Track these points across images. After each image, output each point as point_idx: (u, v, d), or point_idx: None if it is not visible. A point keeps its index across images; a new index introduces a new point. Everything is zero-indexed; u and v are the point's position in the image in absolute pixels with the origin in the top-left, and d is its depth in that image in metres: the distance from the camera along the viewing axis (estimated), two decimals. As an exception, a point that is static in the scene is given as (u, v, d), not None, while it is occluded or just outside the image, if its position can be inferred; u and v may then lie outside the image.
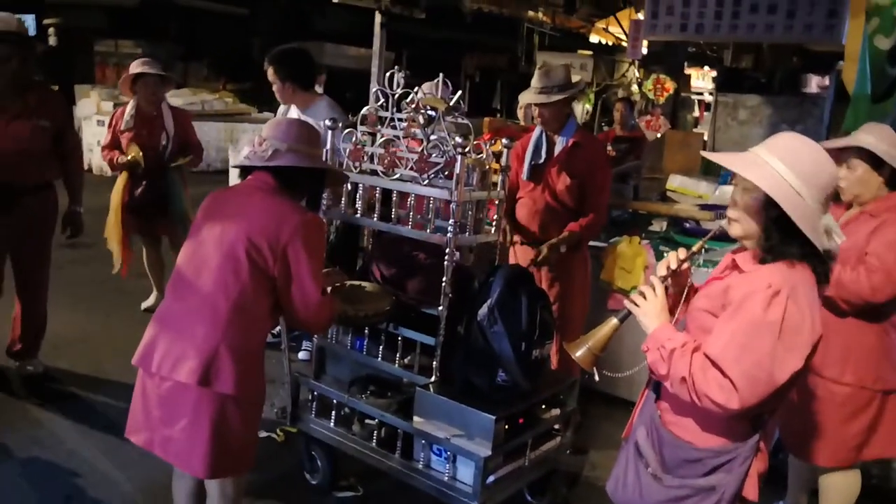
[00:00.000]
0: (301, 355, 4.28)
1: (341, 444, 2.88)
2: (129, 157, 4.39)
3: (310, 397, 3.02)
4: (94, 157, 10.72)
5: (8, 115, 3.39)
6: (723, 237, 1.99)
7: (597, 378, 2.05)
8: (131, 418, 2.20)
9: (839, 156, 2.59)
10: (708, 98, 10.27)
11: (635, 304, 1.88)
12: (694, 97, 11.87)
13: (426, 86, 2.87)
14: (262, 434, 3.28)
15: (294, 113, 4.05)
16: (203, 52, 13.14)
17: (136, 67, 4.48)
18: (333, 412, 2.93)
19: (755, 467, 1.83)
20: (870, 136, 2.57)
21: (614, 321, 1.93)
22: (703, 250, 1.97)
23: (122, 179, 4.56)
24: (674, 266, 1.93)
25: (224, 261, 2.10)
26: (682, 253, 1.95)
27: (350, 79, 11.05)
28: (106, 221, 4.64)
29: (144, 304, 4.96)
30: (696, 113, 11.99)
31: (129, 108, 4.54)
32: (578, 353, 1.93)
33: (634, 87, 10.23)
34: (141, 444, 2.18)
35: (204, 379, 2.04)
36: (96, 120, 10.55)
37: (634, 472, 1.93)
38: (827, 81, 8.01)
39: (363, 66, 5.90)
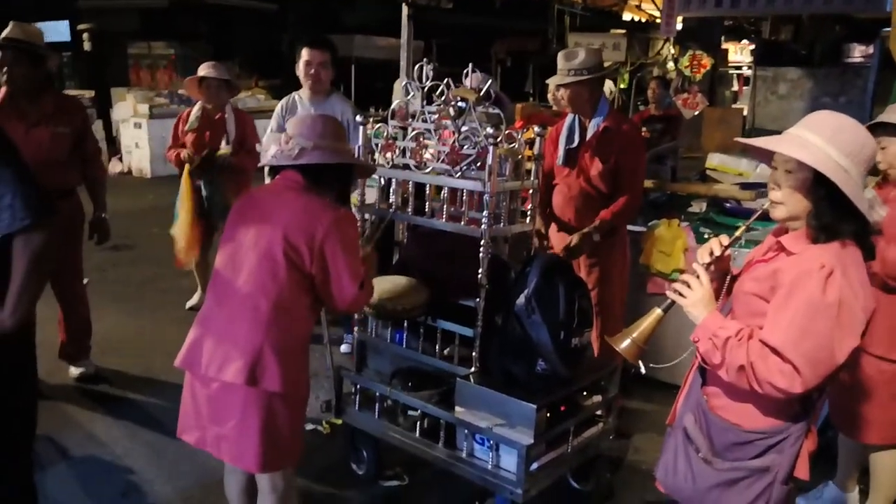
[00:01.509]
0: (343, 348, 4.35)
1: (385, 436, 2.93)
2: (191, 156, 4.50)
3: (353, 390, 3.07)
4: (133, 159, 10.96)
5: (27, 122, 3.41)
6: (765, 217, 1.95)
7: (643, 371, 2.04)
8: (182, 418, 2.27)
9: (874, 135, 2.57)
10: (746, 72, 10.01)
11: (680, 294, 1.86)
12: (732, 72, 11.57)
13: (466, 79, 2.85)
14: (309, 427, 3.36)
15: (303, 107, 4.09)
16: (234, 49, 13.33)
17: (201, 71, 4.59)
18: (376, 404, 2.97)
19: (806, 447, 1.82)
20: (893, 112, 2.55)
21: (658, 312, 1.90)
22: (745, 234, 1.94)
23: (186, 182, 4.64)
24: (717, 252, 1.90)
25: (261, 262, 2.14)
26: (724, 239, 1.93)
27: (379, 70, 11.06)
28: (173, 224, 4.74)
29: (189, 303, 5.08)
30: (735, 87, 11.70)
31: (196, 110, 4.66)
32: (623, 346, 1.91)
33: (670, 65, 10.02)
34: (193, 442, 2.25)
35: (251, 378, 2.09)
36: (133, 122, 10.76)
37: (685, 458, 1.92)
38: (871, 50, 7.72)
39: (392, 56, 5.89)
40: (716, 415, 1.87)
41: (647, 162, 4.21)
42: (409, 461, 3.03)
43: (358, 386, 3.04)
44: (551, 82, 3.39)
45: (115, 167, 10.83)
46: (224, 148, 4.57)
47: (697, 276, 1.86)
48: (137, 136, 10.78)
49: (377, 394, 2.97)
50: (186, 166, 4.56)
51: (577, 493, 3.04)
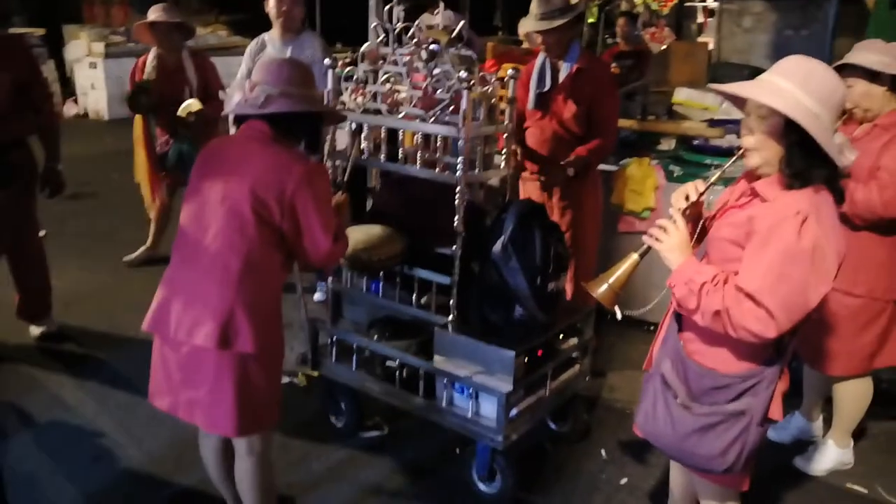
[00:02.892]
0: (316, 296, 4.30)
1: (363, 387, 2.92)
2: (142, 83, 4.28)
3: (329, 342, 3.04)
4: (88, 101, 10.47)
5: None
6: (733, 154, 1.94)
7: (619, 317, 2.04)
8: (152, 383, 2.20)
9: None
10: (711, 4, 9.90)
11: (657, 240, 1.85)
12: (697, 4, 11.45)
13: (431, 16, 2.75)
14: (284, 380, 3.32)
15: (273, 47, 3.92)
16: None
17: (150, 15, 4.29)
18: (354, 356, 2.95)
19: (779, 388, 1.86)
20: (857, 53, 2.58)
21: (634, 257, 1.89)
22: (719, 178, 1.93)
23: (139, 121, 4.42)
24: (693, 197, 1.90)
25: (229, 218, 2.05)
26: (700, 183, 1.92)
27: (345, 3, 10.58)
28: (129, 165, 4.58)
29: (128, 258, 4.86)
30: (701, 19, 11.59)
31: (151, 59, 4.38)
32: (599, 292, 1.89)
33: (637, -1, 9.86)
34: (165, 408, 2.18)
35: (223, 341, 2.02)
36: (88, 62, 10.22)
37: (664, 404, 1.94)
38: (831, -17, 7.69)
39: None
40: (693, 360, 1.88)
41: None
42: (388, 411, 3.04)
43: (334, 338, 3.01)
44: (525, 27, 3.29)
45: (70, 110, 10.38)
46: (193, 103, 4.29)
47: (674, 221, 1.85)
48: (93, 76, 10.26)
49: (354, 345, 2.94)
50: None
51: (555, 433, 3.10)
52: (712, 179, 1.90)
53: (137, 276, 4.67)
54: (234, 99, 2.19)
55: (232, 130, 3.37)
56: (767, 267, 1.67)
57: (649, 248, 1.88)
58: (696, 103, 4.87)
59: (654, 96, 5.14)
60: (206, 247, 2.07)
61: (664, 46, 7.55)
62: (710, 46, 8.40)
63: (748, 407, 1.82)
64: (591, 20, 9.15)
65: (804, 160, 1.69)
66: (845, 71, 2.56)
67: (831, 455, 2.92)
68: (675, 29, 9.23)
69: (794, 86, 1.68)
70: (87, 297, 4.39)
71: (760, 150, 1.75)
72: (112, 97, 9.94)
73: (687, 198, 1.90)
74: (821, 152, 1.67)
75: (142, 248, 4.91)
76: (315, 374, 3.12)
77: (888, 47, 2.59)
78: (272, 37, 3.94)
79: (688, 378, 1.89)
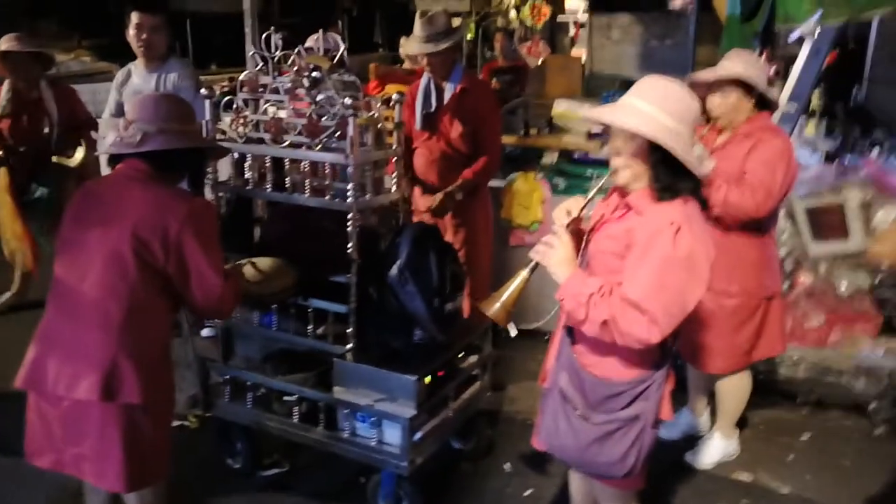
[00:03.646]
0: (205, 332, 4.09)
1: (260, 424, 2.81)
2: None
3: (221, 381, 2.90)
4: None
5: None
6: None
7: (513, 334, 2.08)
8: (30, 442, 2.04)
9: (712, 85, 2.77)
10: (581, 18, 10.37)
11: (543, 255, 1.92)
12: (569, 18, 11.95)
13: (310, 40, 2.70)
14: (175, 423, 3.13)
15: (138, 77, 3.74)
16: (51, 4, 11.74)
17: (3, 44, 3.91)
18: (249, 393, 2.83)
19: (667, 389, 1.97)
20: (737, 65, 2.71)
21: (524, 274, 1.95)
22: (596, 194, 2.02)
23: (3, 174, 4.02)
24: (575, 213, 1.98)
25: (108, 264, 1.93)
26: (580, 199, 2.00)
27: (219, 24, 10.24)
28: None
29: None
30: (573, 33, 12.11)
31: (4, 91, 3.98)
32: (492, 311, 1.94)
33: (512, 14, 10.16)
34: (48, 466, 2.03)
35: (106, 393, 1.90)
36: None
37: (564, 417, 2.00)
38: (692, -4, 8.27)
39: (232, 8, 5.47)
40: (587, 371, 1.95)
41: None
42: (288, 445, 2.93)
43: (227, 376, 2.88)
44: (411, 49, 3.31)
45: None
46: (66, 158, 3.96)
47: (558, 236, 1.92)
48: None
49: (248, 382, 2.82)
50: None
51: (459, 451, 3.10)
52: (590, 195, 1.99)
53: (4, 326, 4.28)
54: (108, 138, 2.06)
55: (105, 171, 3.17)
56: (648, 276, 1.76)
57: (537, 264, 1.94)
58: (574, 115, 5.07)
59: (534, 109, 5.30)
60: (85, 295, 1.94)
61: (540, 61, 7.80)
62: (584, 59, 8.81)
63: (642, 411, 1.91)
64: (469, 36, 9.37)
65: (670, 175, 1.80)
66: (722, 82, 2.72)
67: (718, 447, 3.10)
68: (550, 43, 9.56)
69: (654, 107, 1.79)
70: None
71: (629, 168, 1.86)
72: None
73: (568, 213, 1.98)
74: (684, 166, 1.79)
75: (6, 295, 4.51)
76: (207, 415, 2.96)
77: (758, 62, 2.76)
78: (137, 66, 3.74)
79: (584, 389, 1.96)
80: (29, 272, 4.32)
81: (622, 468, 1.93)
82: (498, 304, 1.93)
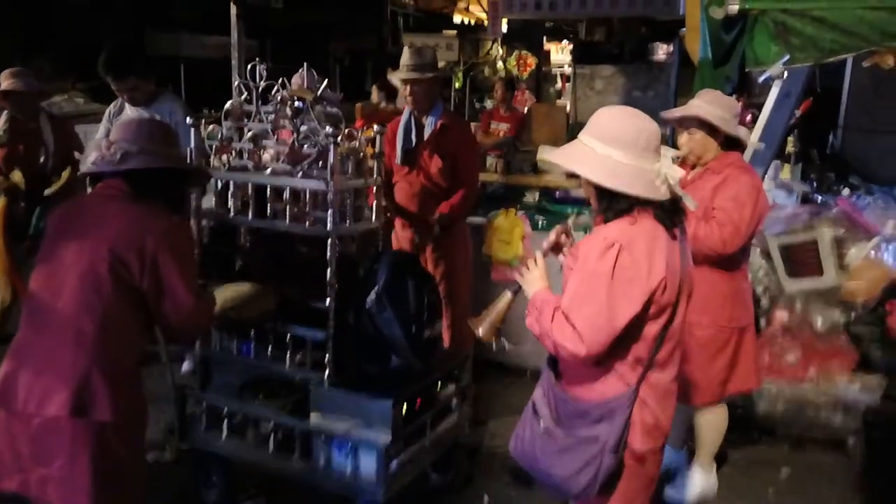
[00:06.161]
0: (185, 366, 4.07)
1: (236, 455, 2.78)
2: (10, 181, 3.97)
3: (198, 410, 2.88)
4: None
5: None
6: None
7: (507, 347, 2.17)
8: None
9: (681, 123, 2.89)
10: (567, 70, 10.68)
11: (521, 276, 2.04)
12: (555, 70, 12.30)
13: (296, 77, 2.80)
14: (151, 455, 3.10)
15: (130, 111, 3.83)
16: (46, 46, 11.99)
17: (4, 83, 4.02)
18: (225, 422, 2.82)
19: (639, 417, 1.94)
20: (704, 104, 2.81)
21: (509, 294, 2.08)
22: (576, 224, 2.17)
23: (0, 204, 4.06)
24: (553, 238, 2.09)
25: (83, 279, 1.94)
26: (559, 228, 2.12)
27: (211, 69, 10.45)
28: None
29: None
30: (559, 86, 12.43)
31: (3, 122, 4.08)
32: (481, 329, 2.07)
33: (500, 64, 10.46)
34: (14, 489, 1.98)
35: (77, 409, 1.89)
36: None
37: (530, 427, 2.07)
38: (672, 49, 8.56)
39: (224, 54, 5.63)
40: (559, 388, 2.01)
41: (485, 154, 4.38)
42: (265, 479, 2.90)
43: (204, 404, 2.86)
44: (400, 76, 3.40)
45: None
46: (55, 183, 4.03)
47: (535, 260, 2.05)
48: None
49: (225, 410, 2.81)
50: None
51: (437, 484, 3.08)
52: (569, 223, 2.14)
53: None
54: (90, 157, 2.11)
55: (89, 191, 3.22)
56: (575, 289, 1.87)
57: (520, 285, 2.06)
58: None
59: (520, 154, 5.43)
60: (59, 310, 1.95)
61: (526, 109, 8.01)
62: (568, 108, 9.03)
63: (601, 433, 1.92)
64: (457, 85, 9.63)
65: (606, 198, 1.91)
66: (688, 119, 2.81)
67: (698, 482, 3.08)
68: (536, 92, 9.84)
69: (592, 138, 1.90)
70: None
71: (589, 197, 1.99)
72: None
73: (549, 240, 2.11)
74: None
75: None
76: (184, 446, 2.93)
77: (725, 101, 2.83)
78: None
79: (554, 404, 2.02)
80: (8, 307, 4.31)
81: (576, 484, 1.95)
82: (487, 322, 2.07)
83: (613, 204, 1.89)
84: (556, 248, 2.10)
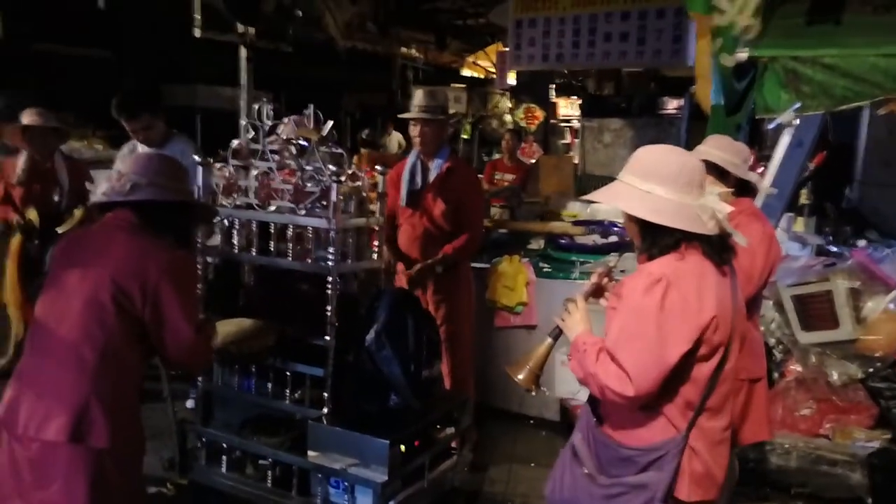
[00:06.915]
0: (189, 404, 4.08)
1: (235, 489, 2.78)
2: (26, 220, 4.10)
3: (198, 444, 2.89)
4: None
5: None
6: (608, 249, 2.14)
7: (546, 392, 2.11)
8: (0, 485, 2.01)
9: None
10: (576, 124, 10.84)
11: (562, 320, 1.98)
12: (563, 125, 12.49)
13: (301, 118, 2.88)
14: (152, 490, 3.10)
15: (143, 150, 3.94)
16: (68, 98, 12.40)
17: (25, 118, 4.17)
18: (224, 457, 2.82)
19: (688, 466, 1.83)
20: (711, 149, 2.74)
21: (549, 340, 2.03)
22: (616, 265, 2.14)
23: (16, 241, 4.20)
24: (595, 281, 2.06)
25: (87, 308, 1.98)
26: (601, 269, 2.10)
27: (225, 120, 10.74)
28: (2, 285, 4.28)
29: None
30: (567, 140, 12.62)
31: (22, 162, 4.22)
32: (521, 376, 2.01)
33: (507, 117, 10.65)
34: None
35: (75, 435, 1.91)
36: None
37: (570, 473, 1.98)
38: (682, 103, 8.69)
39: (238, 106, 5.82)
40: (602, 432, 1.92)
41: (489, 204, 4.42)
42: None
43: (204, 440, 2.87)
44: (411, 115, 3.48)
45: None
46: (69, 221, 4.12)
47: (575, 303, 1.99)
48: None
49: (225, 446, 2.82)
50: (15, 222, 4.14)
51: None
52: (611, 264, 2.11)
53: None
54: (100, 188, 2.16)
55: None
56: (621, 326, 1.79)
57: (560, 330, 2.00)
58: (566, 212, 5.23)
59: (526, 205, 5.48)
60: (62, 337, 1.98)
61: (534, 160, 8.11)
62: (576, 160, 9.14)
63: (650, 481, 1.82)
64: (465, 136, 9.81)
65: (650, 234, 1.85)
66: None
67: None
68: (544, 144, 9.99)
69: (634, 175, 1.85)
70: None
71: (631, 235, 1.95)
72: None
73: (591, 283, 2.06)
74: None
75: (2, 361, 4.54)
76: (184, 481, 2.92)
77: (734, 146, 2.76)
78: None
79: (597, 449, 1.93)
80: (21, 341, 4.37)
81: None
82: (526, 369, 2.01)
83: (658, 240, 1.83)
84: (598, 291, 2.04)
